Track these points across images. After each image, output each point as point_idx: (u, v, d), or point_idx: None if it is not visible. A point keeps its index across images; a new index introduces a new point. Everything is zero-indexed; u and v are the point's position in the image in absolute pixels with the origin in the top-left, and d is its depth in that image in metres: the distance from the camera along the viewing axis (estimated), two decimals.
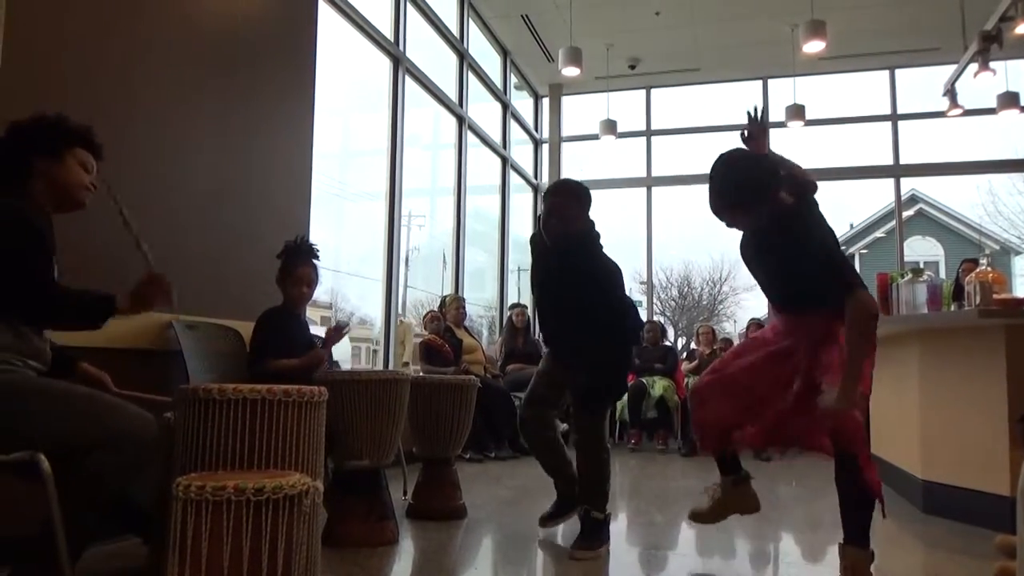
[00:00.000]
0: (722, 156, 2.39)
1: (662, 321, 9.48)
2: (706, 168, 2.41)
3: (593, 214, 3.03)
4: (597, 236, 3.02)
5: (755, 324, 7.03)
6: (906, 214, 13.03)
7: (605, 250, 3.02)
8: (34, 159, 2.02)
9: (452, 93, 7.01)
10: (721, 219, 2.42)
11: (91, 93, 2.78)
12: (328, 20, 4.78)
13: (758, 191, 2.30)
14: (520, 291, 8.74)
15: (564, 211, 2.92)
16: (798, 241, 2.32)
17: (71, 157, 2.08)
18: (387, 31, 5.71)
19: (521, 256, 8.47)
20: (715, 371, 2.67)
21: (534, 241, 3.18)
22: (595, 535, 2.85)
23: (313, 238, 3.38)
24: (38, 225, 1.94)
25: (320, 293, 6.50)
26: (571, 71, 6.80)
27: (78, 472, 1.84)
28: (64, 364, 2.22)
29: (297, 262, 3.14)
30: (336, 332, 3.37)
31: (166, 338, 2.97)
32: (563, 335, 3.03)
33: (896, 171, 8.51)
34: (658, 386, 6.69)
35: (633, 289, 10.45)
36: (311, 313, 6.67)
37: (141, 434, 1.95)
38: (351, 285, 6.80)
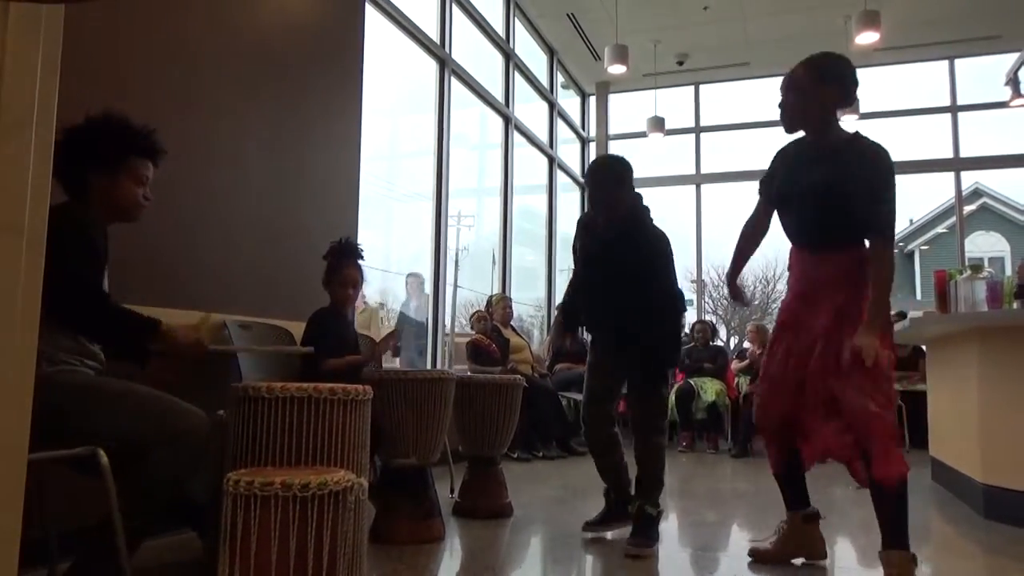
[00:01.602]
0: None
1: (713, 320, 9.33)
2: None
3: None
4: (644, 210, 3.02)
5: None
6: (969, 209, 12.59)
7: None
8: (89, 176, 2.02)
9: (498, 93, 7.04)
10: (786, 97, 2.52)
11: (145, 101, 2.86)
12: (375, 24, 4.85)
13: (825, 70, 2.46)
14: None
15: (606, 196, 2.96)
16: (851, 172, 2.40)
17: (124, 173, 2.07)
18: (433, 33, 5.75)
19: (569, 255, 8.43)
20: (762, 376, 2.69)
21: (581, 223, 3.17)
22: (649, 531, 2.85)
23: (362, 238, 3.41)
24: (91, 234, 1.96)
25: (371, 293, 6.59)
26: (617, 69, 6.77)
27: (136, 468, 1.88)
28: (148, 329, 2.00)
29: (342, 263, 3.18)
30: (389, 339, 3.35)
31: (221, 338, 3.05)
32: (612, 316, 3.02)
33: (956, 164, 8.24)
34: (709, 390, 6.63)
35: (684, 287, 10.30)
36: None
37: (196, 432, 1.99)
38: (401, 285, 6.89)
